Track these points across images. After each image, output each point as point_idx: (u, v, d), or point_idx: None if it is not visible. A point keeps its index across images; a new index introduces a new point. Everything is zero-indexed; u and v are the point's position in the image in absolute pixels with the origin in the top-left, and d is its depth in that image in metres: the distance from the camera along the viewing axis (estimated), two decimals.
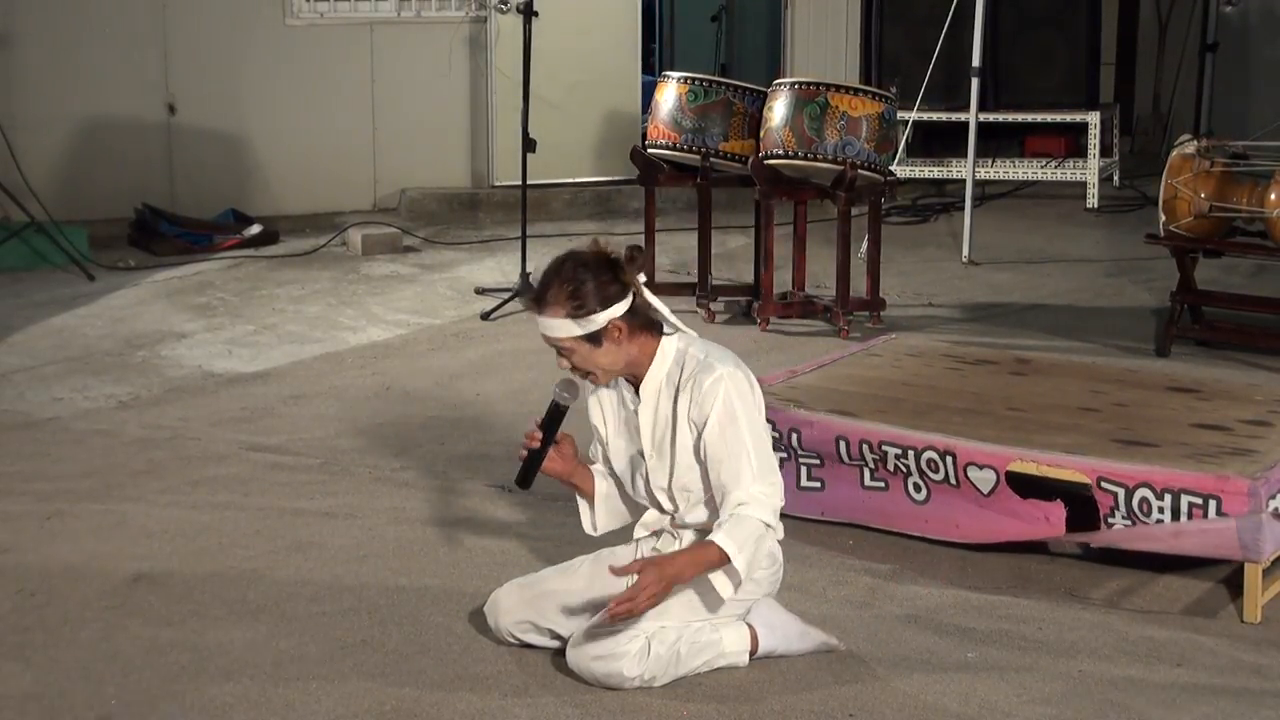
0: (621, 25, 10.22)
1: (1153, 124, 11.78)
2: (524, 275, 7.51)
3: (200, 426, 5.70)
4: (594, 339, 3.64)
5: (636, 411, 3.77)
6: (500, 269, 8.29)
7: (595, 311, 3.61)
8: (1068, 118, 10.22)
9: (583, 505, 3.96)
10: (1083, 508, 4.28)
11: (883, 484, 4.55)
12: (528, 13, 7.59)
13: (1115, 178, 10.55)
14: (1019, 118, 10.29)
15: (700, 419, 3.65)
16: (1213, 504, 4.05)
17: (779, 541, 3.75)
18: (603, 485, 3.92)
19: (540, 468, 3.79)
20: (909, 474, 4.48)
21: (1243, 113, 10.47)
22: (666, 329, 3.76)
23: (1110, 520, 4.19)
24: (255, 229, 8.91)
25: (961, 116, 9.28)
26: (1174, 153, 6.60)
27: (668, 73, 7.67)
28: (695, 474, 3.72)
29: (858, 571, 4.37)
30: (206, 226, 8.93)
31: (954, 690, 3.69)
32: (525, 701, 3.62)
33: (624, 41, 10.26)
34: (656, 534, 3.88)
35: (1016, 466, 4.31)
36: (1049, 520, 4.29)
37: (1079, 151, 10.45)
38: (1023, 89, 10.33)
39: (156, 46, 9.17)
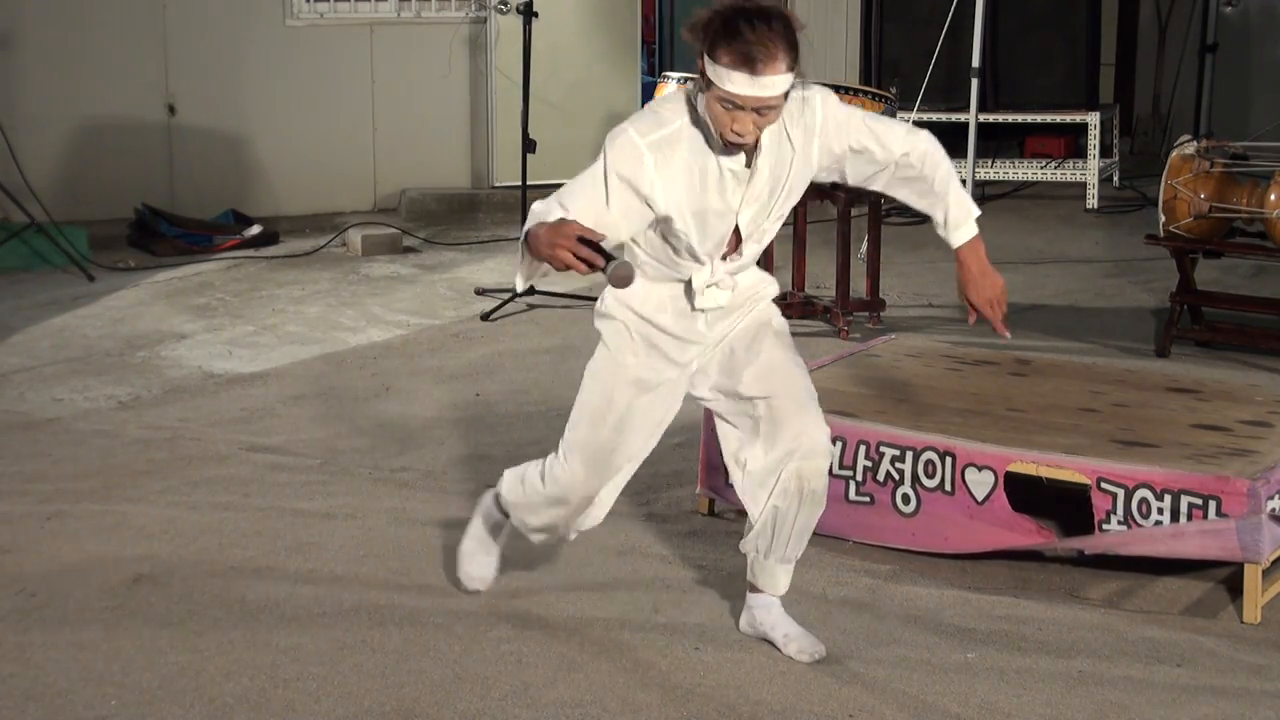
0: (621, 25, 10.23)
1: (1153, 125, 11.78)
2: None
3: (200, 427, 5.70)
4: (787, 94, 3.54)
5: (742, 172, 3.60)
6: (500, 269, 8.29)
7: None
8: (1068, 118, 10.22)
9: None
10: (1078, 513, 4.27)
11: (868, 498, 4.52)
12: (528, 13, 7.60)
13: (1115, 178, 10.55)
14: (1019, 118, 10.29)
15: (832, 134, 3.66)
16: (1212, 505, 4.05)
17: None
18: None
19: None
20: (900, 483, 4.45)
21: (1243, 113, 10.47)
22: None
23: (1105, 526, 4.18)
24: (255, 229, 8.90)
25: (961, 117, 9.28)
26: (1174, 153, 6.60)
27: (668, 73, 7.67)
28: (784, 211, 3.72)
29: (858, 572, 4.37)
30: (206, 227, 8.93)
31: (954, 690, 3.69)
32: (525, 701, 3.62)
33: (624, 41, 10.26)
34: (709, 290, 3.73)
35: (1016, 467, 4.31)
36: (1040, 534, 4.29)
37: (1079, 152, 10.45)
38: (1023, 89, 10.33)
39: (156, 46, 9.18)
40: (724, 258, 3.72)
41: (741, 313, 3.84)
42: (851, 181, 3.83)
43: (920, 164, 3.76)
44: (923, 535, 4.43)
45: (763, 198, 3.66)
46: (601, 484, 3.89)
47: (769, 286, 3.91)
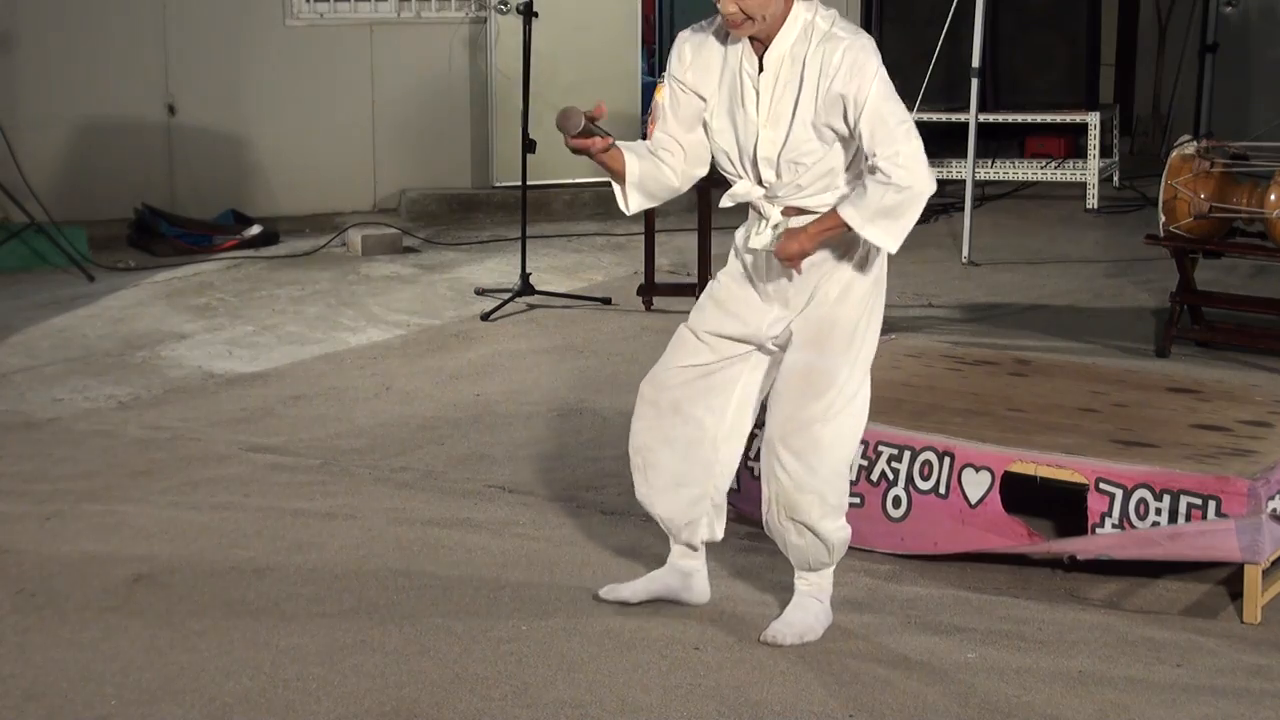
0: (621, 25, 10.23)
1: (1152, 125, 11.78)
2: (524, 276, 7.51)
3: (200, 427, 5.70)
4: None
5: (756, 78, 3.79)
6: (500, 269, 8.29)
7: None
8: (1068, 118, 10.21)
9: (616, 188, 3.97)
10: (1075, 516, 4.27)
11: (858, 500, 4.50)
12: (528, 13, 7.60)
13: (1115, 178, 10.55)
14: (1019, 118, 10.29)
15: (847, 89, 3.67)
16: (1212, 505, 4.05)
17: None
18: (635, 167, 3.92)
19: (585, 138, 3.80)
20: (893, 484, 4.44)
21: (1243, 113, 10.47)
22: None
23: (1099, 530, 4.18)
24: (255, 229, 8.90)
25: (961, 117, 9.28)
26: (1174, 153, 6.59)
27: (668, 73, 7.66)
28: (810, 146, 3.76)
29: (858, 572, 4.37)
30: (206, 227, 8.93)
31: (954, 690, 3.69)
32: (525, 701, 3.62)
33: (624, 41, 10.26)
34: (753, 211, 3.98)
35: (1016, 467, 4.31)
36: (1031, 538, 4.28)
37: (1079, 152, 10.45)
38: (1023, 90, 10.32)
39: (156, 46, 9.18)
40: (766, 186, 3.85)
41: (801, 293, 3.92)
42: (818, 141, 3.80)
43: (872, 180, 3.68)
44: (912, 540, 4.42)
45: (780, 119, 3.76)
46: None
47: (843, 272, 3.88)
